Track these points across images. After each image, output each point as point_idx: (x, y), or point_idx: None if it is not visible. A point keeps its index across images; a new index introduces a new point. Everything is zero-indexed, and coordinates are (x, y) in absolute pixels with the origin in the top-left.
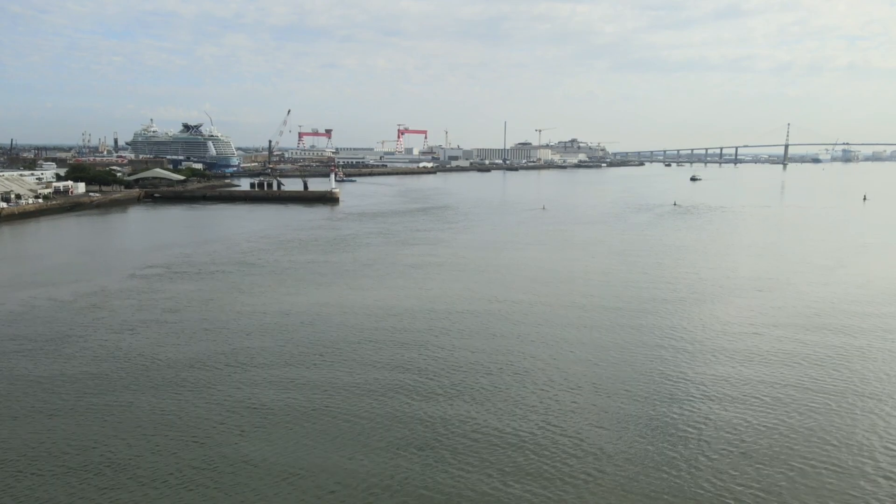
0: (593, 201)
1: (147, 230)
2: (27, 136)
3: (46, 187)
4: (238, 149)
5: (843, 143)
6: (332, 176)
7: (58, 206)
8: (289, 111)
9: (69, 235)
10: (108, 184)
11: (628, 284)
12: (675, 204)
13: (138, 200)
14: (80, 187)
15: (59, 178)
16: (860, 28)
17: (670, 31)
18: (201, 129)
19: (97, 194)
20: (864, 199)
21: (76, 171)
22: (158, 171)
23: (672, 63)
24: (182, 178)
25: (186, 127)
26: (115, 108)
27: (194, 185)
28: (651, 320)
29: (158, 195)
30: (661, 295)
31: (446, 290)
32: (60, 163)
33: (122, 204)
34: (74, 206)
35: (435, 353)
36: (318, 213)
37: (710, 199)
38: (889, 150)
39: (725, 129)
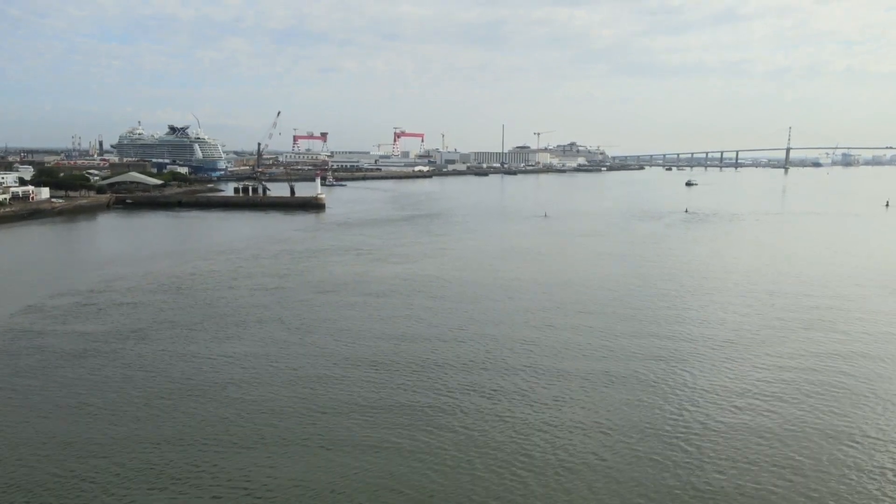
0: (598, 208)
1: (97, 242)
2: (25, 138)
3: (3, 193)
4: (234, 152)
5: (845, 147)
6: (318, 180)
7: (12, 213)
8: (278, 112)
9: (2, 250)
10: (75, 189)
11: (662, 324)
12: (686, 211)
13: (107, 207)
14: (44, 192)
15: (22, 182)
16: (857, 33)
17: (668, 35)
18: (188, 131)
19: (60, 200)
20: (887, 205)
21: (43, 175)
22: (134, 175)
23: (670, 67)
24: (159, 182)
25: (173, 129)
26: (112, 111)
27: (173, 190)
28: (696, 382)
29: (130, 201)
30: (702, 347)
31: (418, 327)
32: (39, 166)
33: (88, 211)
34: (33, 214)
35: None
36: (299, 221)
37: (723, 205)
38: (889, 153)
39: (725, 132)
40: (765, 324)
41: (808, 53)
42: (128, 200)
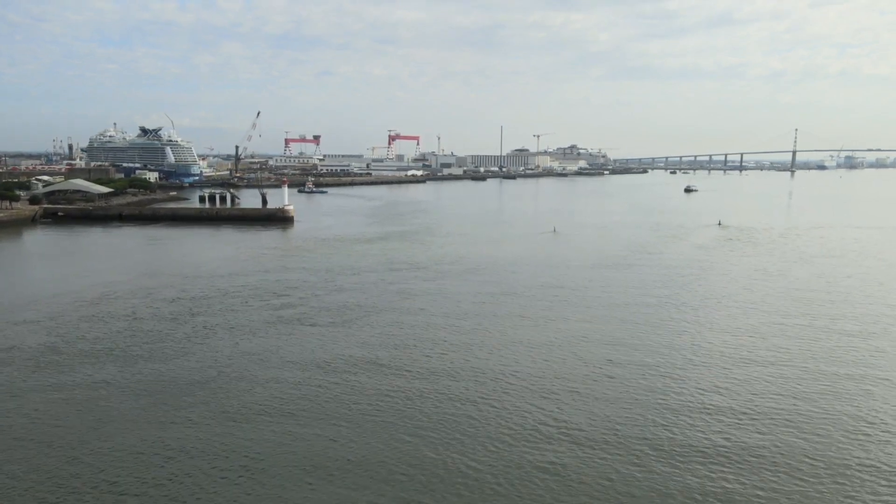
0: (611, 219)
1: None
2: (23, 142)
3: None
4: (225, 156)
5: (849, 150)
6: (285, 189)
7: None
8: (258, 113)
9: None
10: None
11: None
12: (719, 224)
13: (33, 221)
14: None
15: None
16: (851, 36)
17: (664, 39)
18: (160, 133)
19: None
20: None
21: None
22: (76, 182)
23: (666, 70)
24: (107, 190)
25: (144, 131)
26: (110, 114)
27: (125, 200)
28: None
29: (62, 214)
30: None
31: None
32: None
33: (7, 226)
34: None
35: None
36: (249, 241)
37: (755, 218)
38: (892, 156)
39: (725, 135)
40: None
41: (802, 57)
42: (59, 213)
